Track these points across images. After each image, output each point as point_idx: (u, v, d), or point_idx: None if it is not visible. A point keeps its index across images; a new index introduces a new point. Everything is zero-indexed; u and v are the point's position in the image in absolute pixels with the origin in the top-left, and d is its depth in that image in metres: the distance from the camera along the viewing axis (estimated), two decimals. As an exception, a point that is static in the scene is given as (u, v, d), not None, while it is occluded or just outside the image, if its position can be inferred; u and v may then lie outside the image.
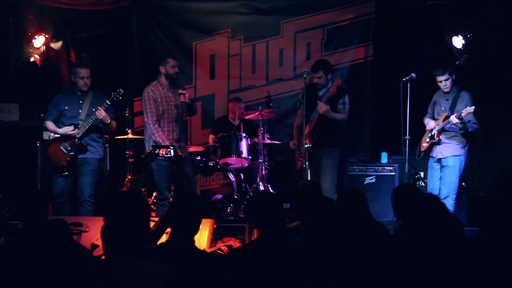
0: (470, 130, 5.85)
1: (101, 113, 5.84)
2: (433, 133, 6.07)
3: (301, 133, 6.24)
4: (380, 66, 7.70)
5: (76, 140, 5.88)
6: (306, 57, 7.89)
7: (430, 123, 6.19)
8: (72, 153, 5.89)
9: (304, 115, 6.14)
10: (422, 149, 6.21)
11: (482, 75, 7.01)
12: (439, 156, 6.05)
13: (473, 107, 5.70)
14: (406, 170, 6.12)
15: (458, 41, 7.02)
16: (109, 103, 5.92)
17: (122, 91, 5.95)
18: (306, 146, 6.09)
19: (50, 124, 5.99)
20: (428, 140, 6.14)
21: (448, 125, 5.94)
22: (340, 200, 3.98)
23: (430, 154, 6.16)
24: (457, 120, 5.75)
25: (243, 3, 7.93)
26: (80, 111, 5.96)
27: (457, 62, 6.99)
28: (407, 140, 6.05)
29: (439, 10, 7.33)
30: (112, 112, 6.08)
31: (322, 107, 6.03)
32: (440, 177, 6.06)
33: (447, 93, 6.02)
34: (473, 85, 6.10)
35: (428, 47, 7.29)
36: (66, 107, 5.98)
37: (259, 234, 3.07)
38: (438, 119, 6.12)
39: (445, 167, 5.99)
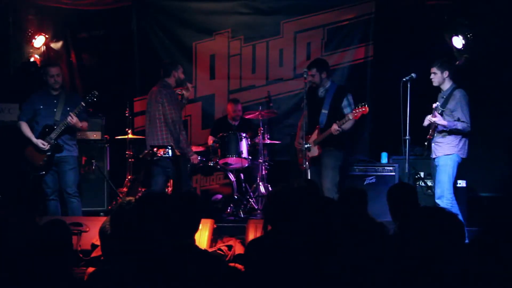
0: (458, 127, 5.78)
1: (72, 119, 5.93)
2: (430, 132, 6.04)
3: (306, 133, 6.16)
4: (380, 66, 7.70)
5: (53, 141, 5.96)
6: (306, 57, 7.89)
7: (425, 121, 6.11)
8: (49, 153, 5.98)
9: (306, 115, 6.12)
10: (426, 148, 6.14)
11: (482, 75, 7.00)
12: (433, 156, 6.01)
13: (433, 118, 5.70)
14: (406, 170, 6.11)
15: (458, 41, 7.02)
16: (84, 105, 6.02)
17: (96, 93, 6.05)
18: (306, 146, 6.09)
19: (24, 127, 6.04)
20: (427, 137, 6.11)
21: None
22: (342, 199, 3.97)
23: (431, 154, 6.13)
24: (433, 120, 5.75)
25: (243, 3, 7.93)
26: (55, 110, 6.04)
27: (457, 62, 6.97)
28: (407, 140, 6.02)
29: (439, 10, 7.33)
30: (86, 113, 6.19)
31: (335, 129, 6.01)
32: None
33: (441, 90, 5.96)
34: (472, 85, 6.08)
35: (428, 47, 7.29)
36: (41, 107, 6.05)
37: (271, 231, 3.08)
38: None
39: (437, 167, 5.93)
